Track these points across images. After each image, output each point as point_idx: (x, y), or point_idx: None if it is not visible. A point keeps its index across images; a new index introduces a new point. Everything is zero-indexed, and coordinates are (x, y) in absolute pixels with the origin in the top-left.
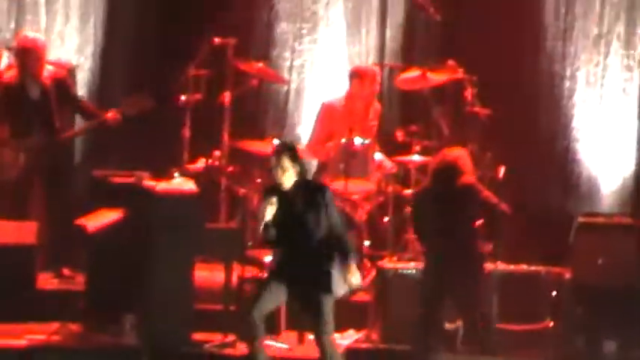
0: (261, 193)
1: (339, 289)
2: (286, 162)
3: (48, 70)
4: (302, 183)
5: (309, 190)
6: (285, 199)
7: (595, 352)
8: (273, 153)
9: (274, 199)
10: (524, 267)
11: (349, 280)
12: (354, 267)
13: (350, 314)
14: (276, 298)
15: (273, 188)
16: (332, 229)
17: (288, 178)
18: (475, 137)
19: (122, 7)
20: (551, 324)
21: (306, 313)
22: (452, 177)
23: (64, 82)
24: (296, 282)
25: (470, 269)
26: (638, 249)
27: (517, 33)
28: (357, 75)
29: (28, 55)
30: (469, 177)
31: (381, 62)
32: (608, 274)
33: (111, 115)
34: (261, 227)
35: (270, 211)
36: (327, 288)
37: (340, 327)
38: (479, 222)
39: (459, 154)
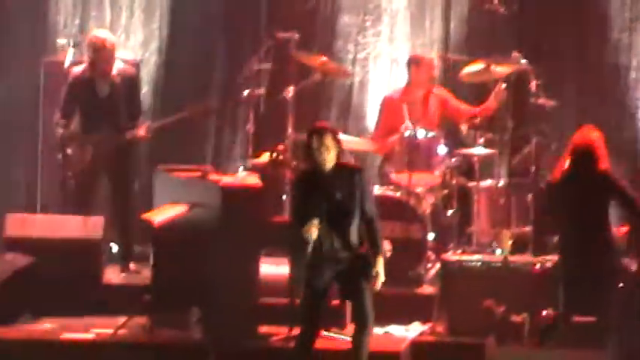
0: (294, 180)
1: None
2: (330, 141)
3: (117, 67)
4: (340, 165)
5: (347, 173)
6: (322, 182)
7: None
8: (313, 133)
9: (316, 222)
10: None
11: (374, 274)
12: (379, 262)
13: (415, 307)
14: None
15: (305, 174)
16: (363, 213)
17: (331, 158)
18: (540, 129)
19: (186, 1)
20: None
21: (348, 300)
22: (592, 160)
23: (133, 81)
24: (335, 269)
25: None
26: None
27: (582, 24)
28: (414, 61)
29: (98, 53)
30: (605, 162)
31: (444, 54)
32: None
33: (142, 132)
34: (296, 226)
35: (314, 233)
36: (366, 276)
37: (406, 319)
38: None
39: (597, 135)
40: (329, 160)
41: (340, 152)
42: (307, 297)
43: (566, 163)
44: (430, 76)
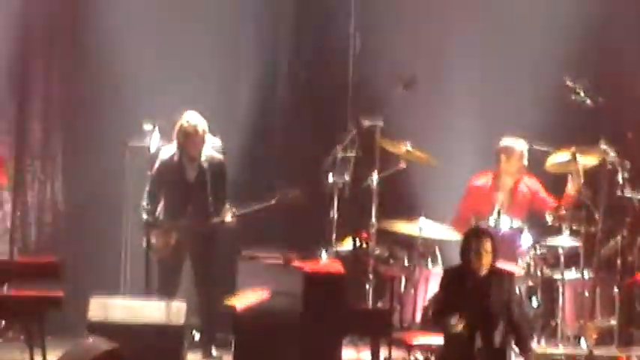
0: (444, 276)
1: None
2: (488, 246)
3: (205, 152)
4: (494, 270)
5: (500, 278)
6: (474, 285)
7: None
8: (472, 235)
9: (461, 325)
10: None
11: None
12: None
13: None
14: None
15: (454, 271)
16: (512, 318)
17: (486, 263)
18: (627, 222)
19: (272, 88)
20: None
21: None
22: None
23: (220, 166)
24: None
25: None
26: None
27: None
28: (505, 150)
29: (189, 138)
30: None
31: (530, 143)
32: None
33: (228, 218)
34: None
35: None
36: None
37: None
38: None
39: None
40: (483, 265)
41: (495, 257)
42: None
43: None
44: (520, 166)
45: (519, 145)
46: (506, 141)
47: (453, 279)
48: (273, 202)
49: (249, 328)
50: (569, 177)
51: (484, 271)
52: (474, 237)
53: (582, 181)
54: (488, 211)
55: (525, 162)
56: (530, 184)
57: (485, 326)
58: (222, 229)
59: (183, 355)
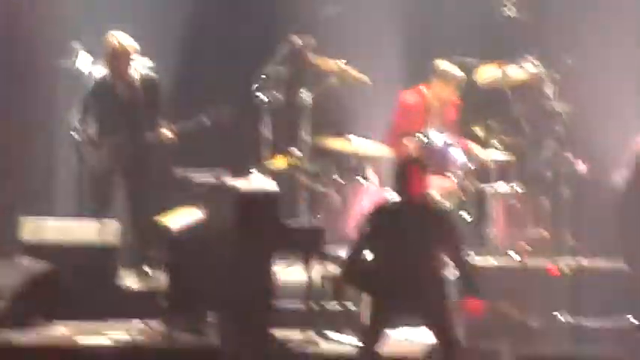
0: (371, 212)
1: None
2: (421, 174)
3: (137, 70)
4: (425, 203)
5: (431, 212)
6: (401, 216)
7: None
8: (404, 164)
9: None
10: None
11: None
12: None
13: None
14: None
15: (383, 207)
16: (449, 249)
17: (419, 193)
18: (555, 134)
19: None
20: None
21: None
22: None
23: (152, 83)
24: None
25: None
26: None
27: (601, 30)
28: (442, 75)
29: (117, 57)
30: None
31: (461, 57)
32: None
33: (168, 134)
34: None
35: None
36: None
37: None
38: None
39: None
40: (417, 193)
41: (426, 184)
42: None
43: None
44: (452, 86)
45: (452, 66)
46: (440, 62)
47: (384, 212)
48: (205, 120)
49: (183, 247)
50: None
51: (417, 201)
52: (406, 166)
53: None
54: (419, 127)
55: (456, 81)
56: (456, 102)
57: (418, 256)
58: (155, 148)
59: (117, 274)
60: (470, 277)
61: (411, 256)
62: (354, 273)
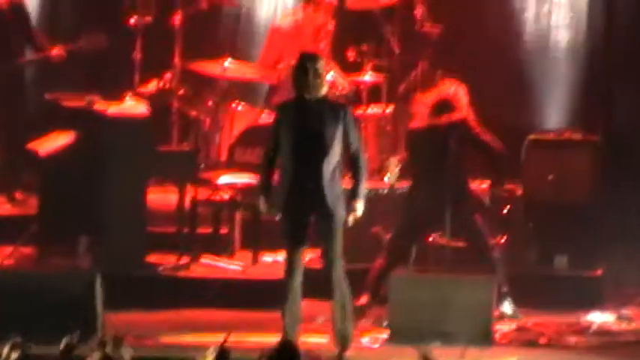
0: (277, 109)
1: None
2: (320, 71)
3: None
4: (324, 98)
5: (330, 106)
6: (304, 112)
7: (546, 267)
8: (301, 61)
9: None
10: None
11: (354, 205)
12: (361, 191)
13: None
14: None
15: (287, 103)
16: (350, 147)
17: (317, 88)
18: (426, 55)
19: None
20: (504, 240)
21: (317, 235)
22: (445, 113)
23: (20, 7)
24: (301, 200)
25: (463, 204)
26: (588, 165)
27: None
28: (313, 2)
29: None
30: (462, 113)
31: None
32: (559, 190)
33: (56, 51)
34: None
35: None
36: (337, 211)
37: None
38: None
39: (454, 89)
40: (315, 90)
41: (323, 82)
42: (286, 227)
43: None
44: (324, 11)
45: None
46: None
47: (284, 111)
48: (79, 45)
49: (53, 171)
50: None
51: (314, 97)
52: (304, 62)
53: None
54: (290, 54)
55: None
56: (329, 28)
57: (315, 155)
58: (25, 72)
59: None
60: (361, 181)
61: (315, 148)
62: (264, 180)
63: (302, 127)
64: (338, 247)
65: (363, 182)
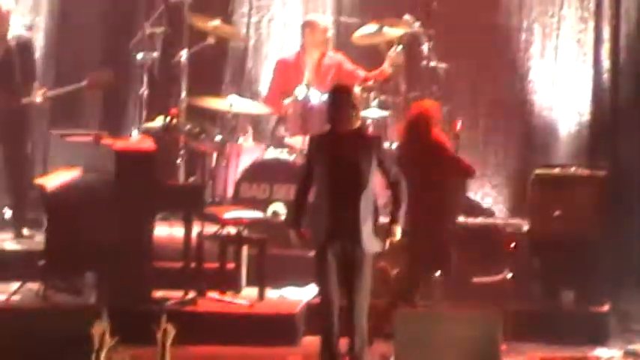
0: (310, 142)
1: (375, 245)
2: (352, 103)
3: (11, 32)
4: (357, 131)
5: (363, 138)
6: (337, 144)
7: (552, 302)
8: (334, 94)
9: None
10: (483, 219)
11: (393, 229)
12: (401, 216)
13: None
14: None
15: (320, 136)
16: (389, 175)
17: (350, 120)
18: (432, 91)
19: None
20: (510, 276)
21: (345, 272)
22: (421, 131)
23: (27, 45)
24: (337, 235)
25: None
26: (594, 200)
27: None
28: (309, 25)
29: None
30: (436, 131)
31: (337, 17)
32: (565, 225)
33: (38, 98)
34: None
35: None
36: (370, 246)
37: (301, 281)
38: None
39: (428, 106)
40: (346, 120)
41: (357, 115)
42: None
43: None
44: (324, 39)
45: (323, 19)
46: (310, 15)
47: (318, 144)
48: (84, 83)
49: (60, 207)
50: (388, 55)
51: (348, 130)
52: (335, 93)
53: (399, 58)
54: (296, 85)
55: (329, 35)
56: (334, 57)
57: (351, 188)
58: (31, 109)
59: None
60: (402, 207)
61: (350, 181)
62: (298, 213)
63: (336, 160)
64: (365, 286)
65: (403, 208)
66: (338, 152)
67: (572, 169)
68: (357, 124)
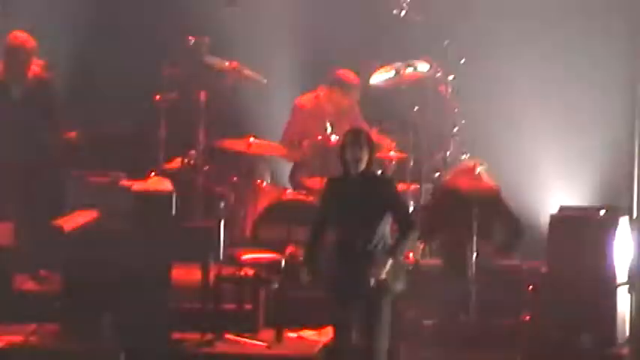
0: (325, 184)
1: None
2: (365, 147)
3: (33, 71)
4: (369, 174)
5: (375, 180)
6: (348, 189)
7: (571, 344)
8: (348, 137)
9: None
10: (502, 261)
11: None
12: (398, 252)
13: (327, 311)
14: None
15: (335, 178)
16: (398, 218)
17: (363, 163)
18: (451, 133)
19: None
20: (528, 317)
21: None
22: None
23: (48, 85)
24: (347, 283)
25: None
26: (612, 241)
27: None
28: (341, 83)
29: (15, 55)
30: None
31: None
32: (583, 266)
33: (67, 139)
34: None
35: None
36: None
37: (318, 323)
38: None
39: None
40: (359, 163)
41: (371, 158)
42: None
43: None
44: (354, 98)
45: (355, 79)
46: (340, 73)
47: (331, 188)
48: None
49: (77, 248)
50: None
51: (360, 172)
52: (349, 136)
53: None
54: (315, 129)
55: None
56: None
57: (363, 230)
58: (50, 150)
59: (11, 277)
60: (402, 243)
61: (362, 223)
62: (309, 256)
63: (349, 202)
64: (382, 329)
65: (403, 245)
66: (348, 198)
67: (590, 210)
68: (369, 166)
